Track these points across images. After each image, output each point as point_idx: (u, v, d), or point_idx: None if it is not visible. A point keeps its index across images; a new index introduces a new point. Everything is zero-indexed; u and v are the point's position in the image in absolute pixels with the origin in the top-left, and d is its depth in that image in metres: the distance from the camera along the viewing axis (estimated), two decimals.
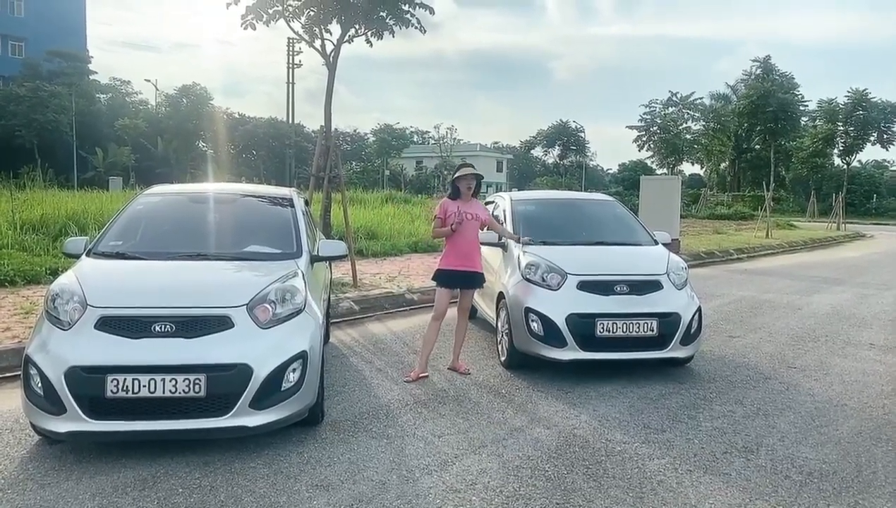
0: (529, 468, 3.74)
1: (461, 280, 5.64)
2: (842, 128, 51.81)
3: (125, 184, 36.55)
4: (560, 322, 5.37)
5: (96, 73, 52.70)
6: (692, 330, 5.63)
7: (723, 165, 59.60)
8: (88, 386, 3.56)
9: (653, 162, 50.24)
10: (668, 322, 5.46)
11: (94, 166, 44.76)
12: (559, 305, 5.45)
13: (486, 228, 5.94)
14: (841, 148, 52.81)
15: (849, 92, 51.28)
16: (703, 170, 62.17)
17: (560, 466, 3.77)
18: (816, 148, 51.11)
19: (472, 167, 5.76)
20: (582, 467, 3.76)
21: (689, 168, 58.76)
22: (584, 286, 5.55)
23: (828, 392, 5.35)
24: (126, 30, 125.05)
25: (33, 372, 3.66)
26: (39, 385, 3.63)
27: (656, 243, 6.52)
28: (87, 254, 4.57)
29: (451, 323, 6.06)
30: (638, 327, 5.39)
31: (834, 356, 6.59)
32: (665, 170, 46.90)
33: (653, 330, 5.41)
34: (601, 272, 5.67)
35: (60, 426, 3.57)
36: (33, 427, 3.82)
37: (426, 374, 5.52)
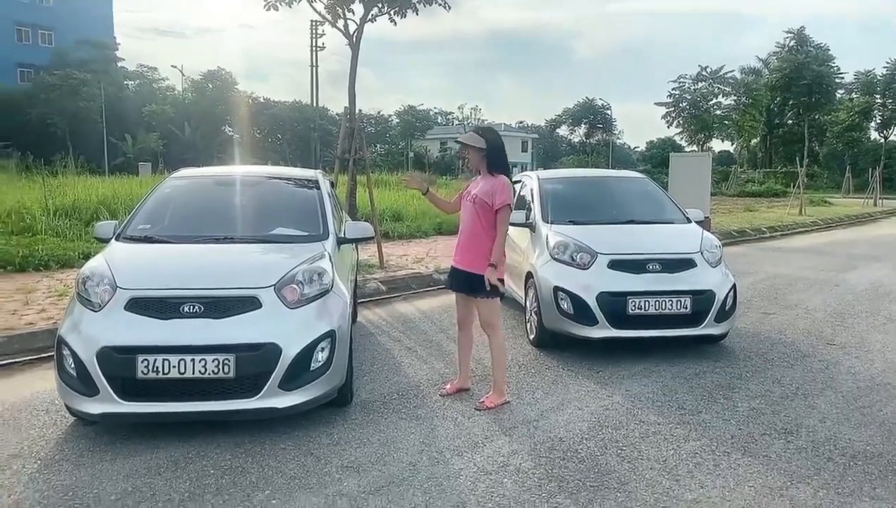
0: (561, 449, 3.67)
1: (452, 279, 4.49)
2: (879, 100, 50.13)
3: (154, 169, 37.04)
4: (591, 300, 5.27)
5: (123, 60, 53.45)
6: (727, 307, 5.49)
7: (753, 141, 58.21)
8: (120, 366, 3.58)
9: (682, 139, 49.18)
10: (701, 299, 5.33)
11: (123, 152, 45.43)
12: (590, 284, 5.35)
13: (474, 205, 4.30)
14: (879, 121, 51.13)
15: (887, 63, 49.59)
16: (734, 146, 60.81)
17: (593, 448, 3.70)
18: (852, 121, 49.52)
19: (477, 133, 4.37)
20: (615, 448, 3.69)
21: (718, 144, 57.54)
22: (616, 265, 5.43)
23: (869, 370, 5.18)
24: (150, 16, 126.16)
25: (66, 352, 3.70)
26: (72, 366, 3.66)
27: (689, 221, 6.35)
28: (117, 238, 4.60)
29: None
30: (671, 304, 5.26)
31: (875, 332, 6.39)
32: (694, 148, 45.97)
33: (686, 308, 5.29)
34: (633, 251, 5.55)
35: (94, 407, 3.61)
36: (67, 408, 3.86)
37: (466, 388, 4.63)
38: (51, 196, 12.32)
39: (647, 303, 5.24)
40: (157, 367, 3.55)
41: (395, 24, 9.79)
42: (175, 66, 77.04)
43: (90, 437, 3.80)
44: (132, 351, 3.58)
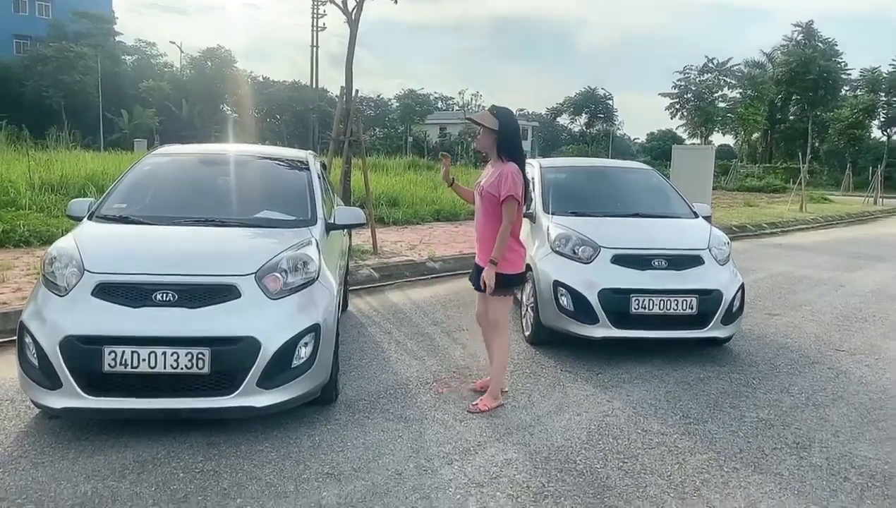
0: (559, 459, 3.42)
1: (472, 274, 4.28)
2: (884, 98, 49.70)
3: (150, 146, 36.54)
4: (592, 297, 5.01)
5: (122, 34, 52.64)
6: (734, 309, 5.23)
7: (754, 136, 57.81)
8: (85, 358, 3.30)
9: (685, 131, 48.67)
10: (708, 299, 5.07)
11: (119, 128, 44.79)
12: (591, 279, 5.08)
13: (481, 197, 4.03)
14: (882, 119, 50.74)
15: (893, 61, 49.12)
16: (735, 140, 60.42)
17: (592, 459, 3.45)
18: (856, 119, 49.08)
19: (491, 112, 3.95)
20: (616, 460, 3.44)
21: (718, 138, 57.07)
22: (619, 260, 5.16)
23: (881, 380, 4.94)
24: None
25: (28, 340, 3.42)
26: (34, 355, 3.39)
27: (696, 216, 6.09)
28: (90, 217, 4.31)
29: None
30: (676, 304, 5.00)
31: (884, 339, 6.14)
32: (696, 141, 45.56)
33: (692, 308, 5.03)
34: (637, 245, 5.28)
35: (56, 401, 3.34)
36: (31, 399, 3.59)
37: (499, 404, 4.13)
38: (36, 170, 11.96)
39: (651, 302, 4.97)
40: (126, 360, 3.28)
41: (396, 2, 9.43)
42: (174, 42, 76.18)
43: (53, 433, 3.54)
44: (98, 342, 3.30)
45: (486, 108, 4.04)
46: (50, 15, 52.18)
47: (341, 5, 9.26)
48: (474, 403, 4.09)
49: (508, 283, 3.99)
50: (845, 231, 18.27)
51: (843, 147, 52.21)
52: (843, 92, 50.45)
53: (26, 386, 3.47)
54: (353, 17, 9.30)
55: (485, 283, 3.91)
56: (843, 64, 47.20)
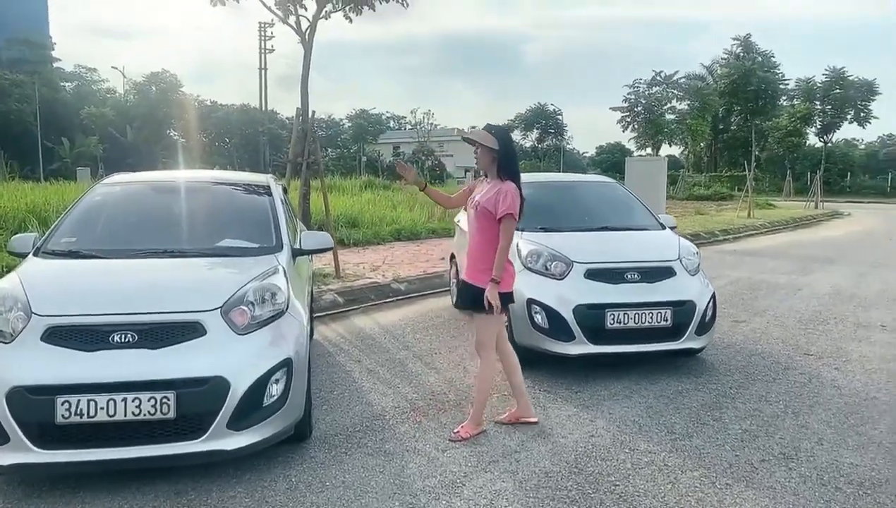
0: (549, 487, 3.30)
1: (459, 293, 4.18)
2: (819, 106, 52.04)
3: (94, 174, 35.33)
4: (567, 314, 4.93)
5: (60, 60, 50.99)
6: (707, 319, 5.23)
7: (700, 146, 59.65)
8: (35, 410, 3.02)
9: (636, 143, 49.76)
10: (682, 310, 5.06)
11: (60, 157, 43.25)
12: (565, 296, 5.01)
13: (476, 212, 3.94)
14: (819, 126, 53.09)
15: (826, 70, 51.55)
16: (682, 151, 62.18)
17: (583, 484, 3.33)
18: (794, 127, 51.23)
19: (489, 132, 3.88)
20: (608, 484, 3.33)
21: (665, 149, 58.62)
22: (592, 274, 5.11)
23: (853, 383, 5.00)
24: (91, 15, 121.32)
25: None
26: None
27: (663, 227, 6.11)
28: (35, 253, 4.01)
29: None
30: (651, 317, 4.97)
31: (848, 341, 6.26)
32: (646, 152, 46.65)
33: (667, 320, 5.00)
34: (610, 259, 5.24)
35: (4, 457, 3.03)
36: None
37: (530, 418, 4.10)
38: None
39: (626, 316, 4.93)
40: (81, 410, 3.02)
41: (351, 21, 9.33)
42: (116, 67, 74.23)
43: (0, 492, 3.23)
44: (50, 391, 3.03)
45: (482, 127, 3.96)
46: None
47: (295, 26, 9.10)
48: (455, 431, 3.94)
49: (502, 301, 3.83)
50: (792, 235, 18.87)
51: (782, 154, 54.36)
52: (781, 101, 52.55)
53: None
54: (306, 37, 9.15)
55: (489, 303, 3.73)
56: (780, 74, 49.25)
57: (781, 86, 49.21)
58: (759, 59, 51.31)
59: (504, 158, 3.87)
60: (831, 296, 8.55)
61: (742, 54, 53.38)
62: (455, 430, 3.94)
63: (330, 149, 66.36)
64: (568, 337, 4.95)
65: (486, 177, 4.01)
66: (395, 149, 68.38)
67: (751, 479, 3.38)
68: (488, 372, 3.96)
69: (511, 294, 3.94)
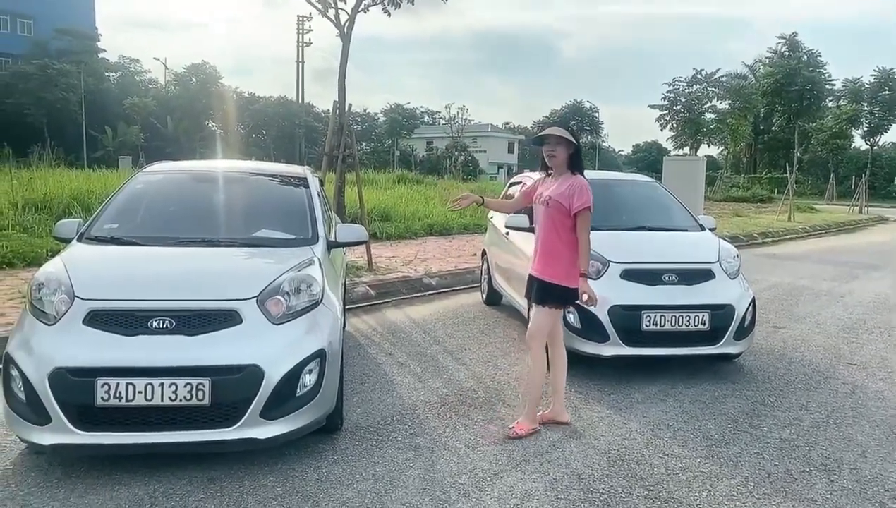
0: (581, 489, 3.25)
1: (528, 288, 4.10)
2: (867, 108, 50.40)
3: (134, 163, 36.13)
4: (602, 314, 4.86)
5: (105, 51, 52.11)
6: (746, 324, 5.10)
7: (739, 147, 58.33)
8: (76, 391, 3.09)
9: (674, 142, 48.70)
10: (721, 314, 4.94)
11: (103, 145, 44.29)
12: (601, 296, 4.88)
13: (547, 208, 3.93)
14: (865, 129, 51.40)
15: (875, 71, 49.88)
16: (721, 151, 60.89)
17: (616, 487, 3.28)
18: (840, 128, 49.69)
19: (563, 129, 3.95)
20: (641, 488, 3.27)
21: (703, 149, 57.47)
22: (629, 275, 5.02)
23: None
24: (134, 8, 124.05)
25: (14, 373, 3.20)
26: (21, 388, 3.17)
27: (702, 228, 5.97)
28: (79, 239, 4.10)
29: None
30: (688, 320, 4.86)
31: (894, 351, 6.04)
32: (685, 151, 45.70)
33: (704, 324, 4.89)
34: (647, 260, 5.15)
35: (45, 437, 3.11)
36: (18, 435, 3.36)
37: (563, 420, 4.08)
38: (19, 189, 11.67)
39: (662, 319, 4.83)
40: (120, 393, 3.07)
41: (390, 14, 9.33)
42: (158, 59, 75.65)
43: (41, 470, 3.31)
44: (91, 374, 3.09)
45: (556, 126, 4.02)
46: (32, 32, 51.65)
47: (334, 19, 9.13)
48: (511, 427, 3.92)
49: (567, 297, 3.90)
50: (835, 240, 18.35)
51: (825, 157, 52.85)
52: (827, 102, 51.05)
53: (12, 421, 3.24)
54: (345, 30, 9.18)
55: (589, 297, 3.79)
56: (826, 74, 47.76)
57: (827, 87, 47.73)
58: (805, 57, 49.86)
59: (578, 153, 3.98)
60: (875, 304, 8.27)
61: (787, 53, 51.91)
62: (511, 427, 3.92)
63: (364, 143, 66.77)
64: (602, 337, 4.88)
65: (549, 174, 4.06)
66: (428, 143, 68.45)
67: (790, 490, 3.29)
68: (539, 366, 3.93)
69: (576, 291, 3.90)
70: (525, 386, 4.01)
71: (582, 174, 3.98)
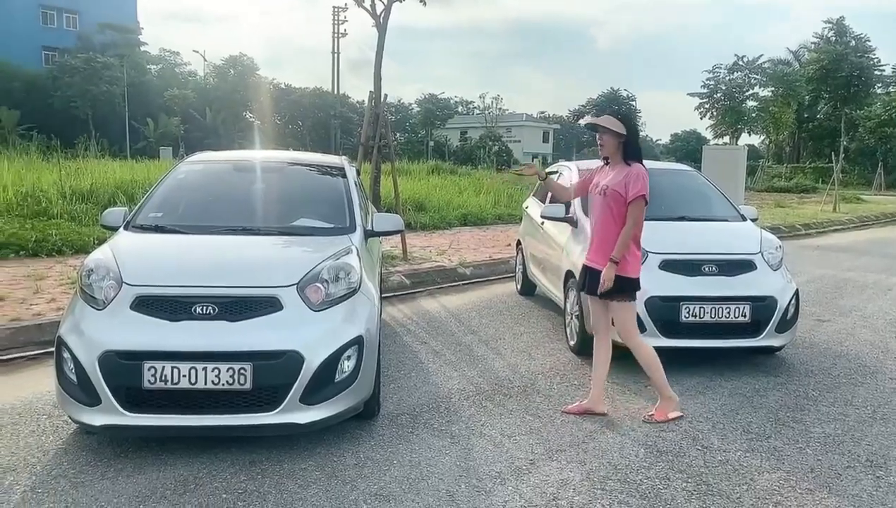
0: (618, 479, 3.23)
1: (583, 279, 4.10)
2: None
3: (175, 153, 36.93)
4: (640, 305, 4.79)
5: (146, 44, 53.29)
6: (788, 316, 4.99)
7: (781, 135, 56.67)
8: (124, 374, 3.20)
9: (714, 131, 47.53)
10: (762, 306, 4.84)
11: (145, 136, 45.39)
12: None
13: (604, 197, 3.93)
14: None
15: None
16: (762, 140, 59.29)
17: (654, 478, 3.25)
18: (889, 116, 47.80)
19: (615, 117, 3.90)
20: (680, 480, 3.24)
21: (743, 138, 56.00)
22: (668, 265, 4.95)
23: None
24: (173, 2, 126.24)
25: (66, 356, 3.33)
26: (72, 370, 3.29)
27: (744, 219, 5.85)
28: (125, 227, 4.22)
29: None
30: (728, 312, 4.78)
31: None
32: (724, 140, 44.63)
33: (745, 316, 4.80)
34: (687, 250, 5.07)
35: (95, 418, 3.23)
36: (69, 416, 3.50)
37: (600, 411, 4.04)
38: (67, 179, 12.04)
39: (702, 310, 4.76)
40: (166, 376, 3.17)
41: (425, 3, 9.32)
42: (197, 51, 77.05)
43: (92, 450, 3.43)
44: (138, 357, 3.19)
45: (607, 115, 3.98)
46: (77, 27, 53.08)
47: (370, 9, 9.16)
48: (650, 414, 3.97)
49: (630, 286, 3.90)
50: (882, 231, 17.75)
51: (873, 145, 50.91)
52: (875, 89, 49.16)
53: (64, 402, 3.38)
54: (381, 20, 9.20)
55: (604, 282, 3.80)
56: (875, 60, 45.84)
57: (877, 73, 45.80)
58: (853, 42, 48.01)
59: (631, 142, 3.92)
60: None
61: (834, 38, 50.08)
62: (649, 413, 3.99)
63: (399, 133, 66.93)
64: (639, 328, 4.80)
65: (607, 163, 4.04)
66: (462, 134, 68.27)
67: (834, 486, 3.22)
68: (647, 353, 3.97)
69: (638, 280, 3.92)
70: (651, 376, 4.02)
71: (640, 162, 3.93)
